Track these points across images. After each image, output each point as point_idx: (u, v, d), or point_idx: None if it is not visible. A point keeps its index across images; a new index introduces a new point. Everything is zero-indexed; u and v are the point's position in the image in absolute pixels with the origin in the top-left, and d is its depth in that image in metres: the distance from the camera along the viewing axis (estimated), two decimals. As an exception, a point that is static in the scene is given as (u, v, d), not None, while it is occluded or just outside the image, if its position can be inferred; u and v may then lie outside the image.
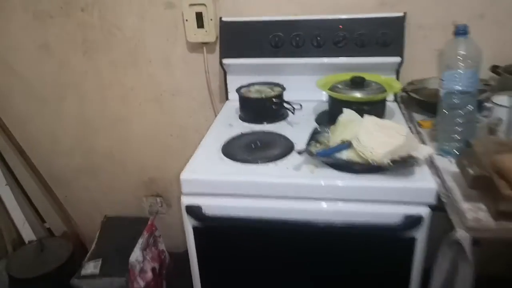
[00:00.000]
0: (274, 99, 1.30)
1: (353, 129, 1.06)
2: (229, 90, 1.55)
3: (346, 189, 1.00)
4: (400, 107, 1.42)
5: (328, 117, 1.32)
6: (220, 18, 1.49)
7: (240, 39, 1.47)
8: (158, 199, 1.94)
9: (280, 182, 1.02)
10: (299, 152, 1.01)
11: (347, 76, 1.31)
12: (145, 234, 1.68)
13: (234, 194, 1.04)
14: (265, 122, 1.32)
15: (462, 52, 0.99)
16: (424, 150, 1.02)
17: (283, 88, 1.37)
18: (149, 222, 1.73)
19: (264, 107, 1.32)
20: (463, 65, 0.99)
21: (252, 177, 1.03)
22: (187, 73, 1.65)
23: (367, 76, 1.29)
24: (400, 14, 1.39)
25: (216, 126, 1.34)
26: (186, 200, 1.06)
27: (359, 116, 1.11)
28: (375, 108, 1.23)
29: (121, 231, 1.79)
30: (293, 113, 1.29)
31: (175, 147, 1.81)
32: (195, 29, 1.51)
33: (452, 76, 1.01)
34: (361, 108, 1.17)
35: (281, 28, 1.44)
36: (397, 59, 1.38)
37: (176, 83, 1.68)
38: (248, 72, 1.49)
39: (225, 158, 1.11)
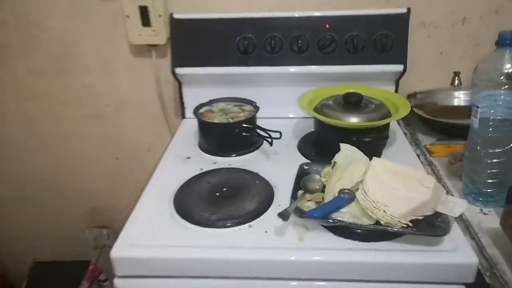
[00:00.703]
0: (244, 125, 0.98)
1: (355, 173, 0.78)
2: (185, 105, 1.23)
3: (348, 266, 0.71)
4: (399, 124, 1.15)
5: (314, 145, 1.04)
6: (171, 14, 1.15)
7: (198, 42, 1.15)
8: (104, 231, 1.62)
9: (258, 259, 0.71)
10: (283, 217, 0.70)
11: (337, 89, 1.05)
12: (85, 284, 1.35)
13: (192, 276, 0.73)
14: (233, 154, 1.01)
15: (507, 69, 0.72)
16: (456, 205, 0.73)
17: (256, 108, 1.05)
18: (90, 267, 1.40)
19: (231, 135, 1.00)
20: (507, 86, 0.73)
21: (217, 252, 0.72)
22: (133, 83, 1.32)
23: (363, 91, 1.00)
24: (403, 10, 1.10)
25: (167, 160, 1.02)
26: (121, 285, 0.73)
27: (362, 155, 0.82)
28: (380, 138, 0.93)
29: (55, 280, 1.45)
30: (270, 144, 0.97)
31: (122, 171, 1.49)
32: (139, 27, 1.17)
33: (491, 100, 0.75)
34: (361, 139, 0.88)
35: (251, 28, 1.13)
36: (399, 68, 1.11)
37: (121, 95, 1.35)
38: (210, 84, 1.18)
39: (177, 217, 0.79)
